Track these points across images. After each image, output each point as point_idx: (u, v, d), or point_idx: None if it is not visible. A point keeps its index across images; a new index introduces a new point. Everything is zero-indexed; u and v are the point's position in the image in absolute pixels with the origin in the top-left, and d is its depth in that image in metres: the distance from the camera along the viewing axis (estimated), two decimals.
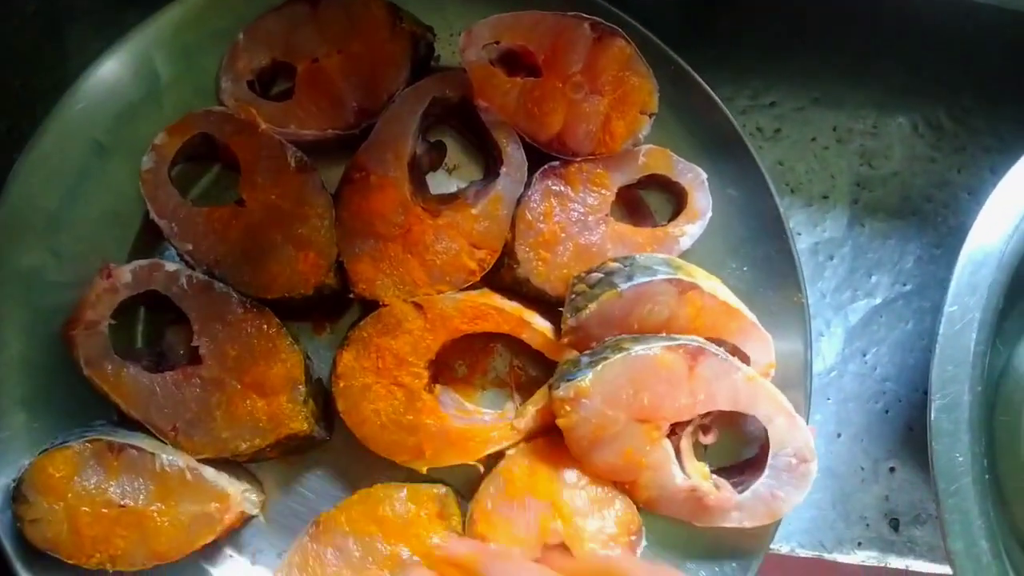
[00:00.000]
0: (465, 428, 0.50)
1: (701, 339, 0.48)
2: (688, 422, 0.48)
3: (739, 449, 0.52)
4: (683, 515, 0.49)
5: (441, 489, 0.50)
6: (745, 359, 0.50)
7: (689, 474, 0.49)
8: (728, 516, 0.48)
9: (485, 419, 0.52)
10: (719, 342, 0.49)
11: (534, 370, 0.54)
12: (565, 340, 0.50)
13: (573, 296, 0.49)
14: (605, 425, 0.47)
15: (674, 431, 0.48)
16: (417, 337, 0.50)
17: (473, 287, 0.52)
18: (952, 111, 0.61)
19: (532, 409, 0.50)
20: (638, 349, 0.46)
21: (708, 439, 0.50)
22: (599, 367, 0.46)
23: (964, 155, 0.61)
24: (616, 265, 0.49)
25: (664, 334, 0.48)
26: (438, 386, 0.52)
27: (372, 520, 0.49)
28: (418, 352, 0.50)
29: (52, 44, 0.57)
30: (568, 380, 0.47)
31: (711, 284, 0.50)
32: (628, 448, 0.48)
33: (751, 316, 0.50)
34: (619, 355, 0.46)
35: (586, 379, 0.47)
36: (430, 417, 0.50)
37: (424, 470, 0.50)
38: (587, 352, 0.49)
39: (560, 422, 0.48)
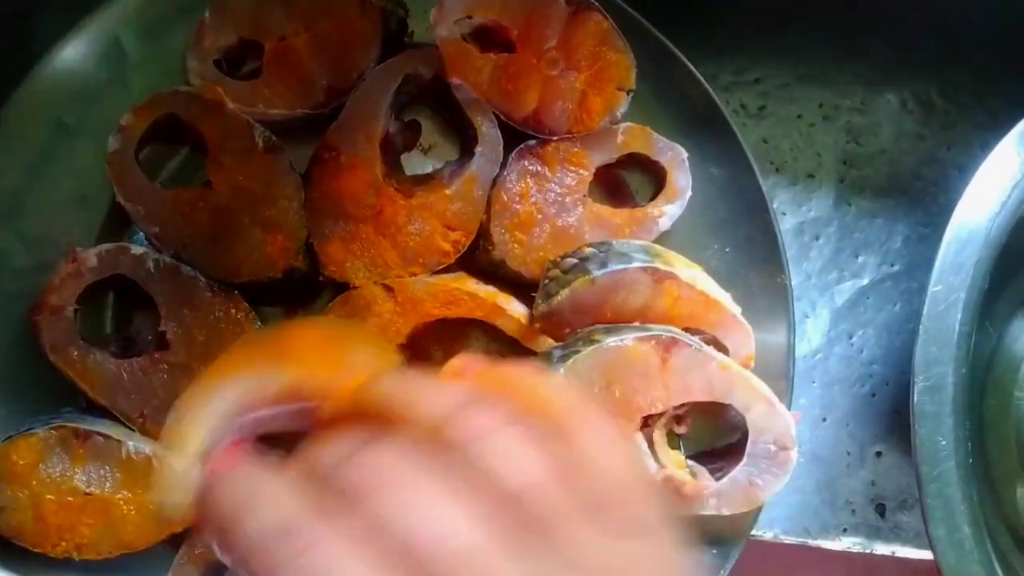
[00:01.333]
0: None
1: (675, 329, 0.47)
2: (662, 413, 0.47)
3: (720, 434, 0.51)
4: None
5: None
6: (724, 350, 0.49)
7: (664, 464, 0.47)
8: (706, 503, 0.47)
9: None
10: (697, 332, 0.48)
11: (512, 356, 0.53)
12: (537, 326, 0.49)
13: (546, 281, 0.48)
14: None
15: (647, 423, 0.47)
16: (386, 321, 0.49)
17: (448, 270, 0.51)
18: (942, 87, 0.59)
19: None
20: (610, 341, 0.45)
21: (682, 429, 0.49)
22: (570, 361, 0.45)
23: (954, 132, 0.59)
24: (591, 251, 0.48)
25: (638, 323, 0.47)
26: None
27: None
28: (387, 336, 0.49)
29: (18, 23, 0.56)
30: None
31: (691, 273, 0.48)
32: None
33: (731, 307, 0.49)
34: (590, 347, 0.45)
35: (558, 376, 0.46)
36: None
37: None
38: (559, 346, 0.48)
39: None
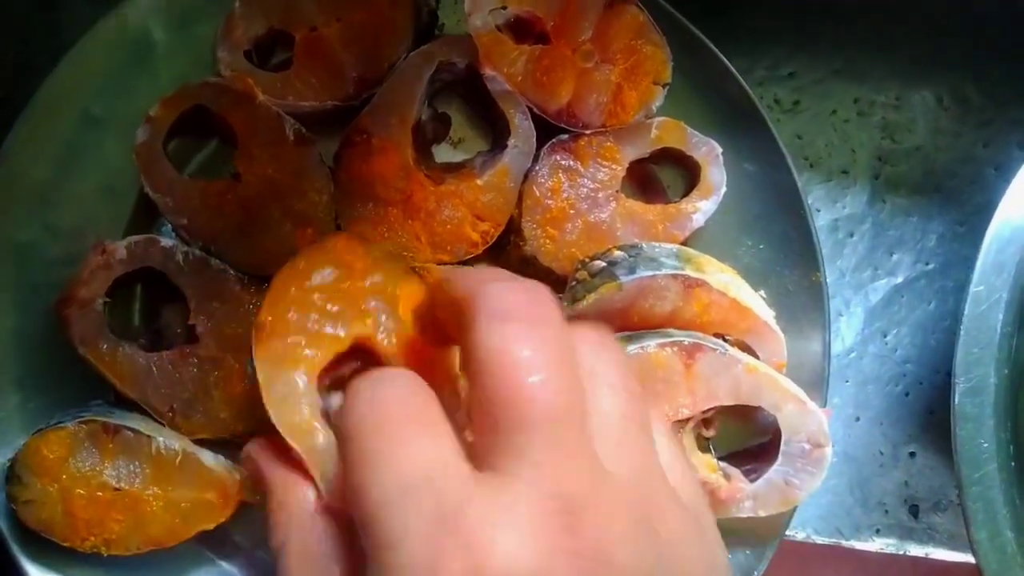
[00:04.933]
0: None
1: (699, 334, 0.46)
2: (689, 418, 0.47)
3: (751, 435, 0.50)
4: None
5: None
6: (755, 356, 0.48)
7: (695, 468, 0.47)
8: (742, 506, 0.47)
9: None
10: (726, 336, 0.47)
11: None
12: None
13: (573, 283, 0.47)
14: None
15: (674, 428, 0.47)
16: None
17: (476, 263, 0.50)
18: (979, 83, 0.58)
19: None
20: (632, 348, 0.45)
21: (710, 432, 0.49)
22: None
23: (991, 129, 0.58)
24: (620, 254, 0.47)
25: (662, 330, 0.46)
26: None
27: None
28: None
29: (46, 13, 0.56)
30: None
31: (723, 279, 0.47)
32: None
33: (763, 314, 0.48)
34: None
35: None
36: None
37: None
38: None
39: None
